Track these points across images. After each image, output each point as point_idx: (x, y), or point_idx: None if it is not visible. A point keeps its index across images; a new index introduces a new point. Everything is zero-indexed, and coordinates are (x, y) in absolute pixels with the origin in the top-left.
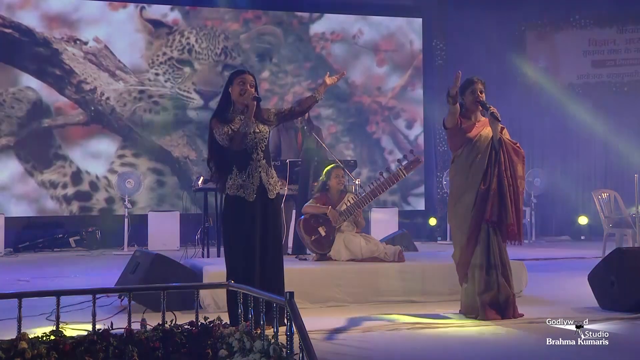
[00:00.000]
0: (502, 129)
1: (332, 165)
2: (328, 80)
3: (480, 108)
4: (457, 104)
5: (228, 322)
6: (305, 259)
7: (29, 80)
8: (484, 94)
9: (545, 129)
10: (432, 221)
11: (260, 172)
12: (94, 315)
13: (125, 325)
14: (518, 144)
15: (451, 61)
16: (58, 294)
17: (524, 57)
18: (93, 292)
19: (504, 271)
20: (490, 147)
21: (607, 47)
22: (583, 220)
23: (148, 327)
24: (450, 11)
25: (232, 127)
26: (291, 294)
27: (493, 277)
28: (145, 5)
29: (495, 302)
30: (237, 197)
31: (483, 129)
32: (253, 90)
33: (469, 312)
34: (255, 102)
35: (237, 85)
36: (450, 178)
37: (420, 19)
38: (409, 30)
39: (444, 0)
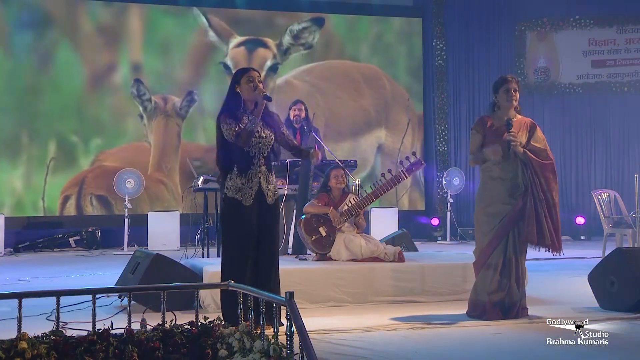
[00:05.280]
0: (534, 128)
1: (332, 165)
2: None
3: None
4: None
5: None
6: (305, 259)
7: None
8: (518, 93)
9: (545, 128)
10: (435, 221)
11: (260, 178)
12: (94, 315)
13: (125, 325)
14: (546, 151)
15: (451, 61)
16: (58, 294)
17: (524, 57)
18: (93, 292)
19: (517, 275)
20: (520, 160)
21: (607, 47)
22: (580, 220)
23: (148, 327)
24: (450, 11)
25: (240, 125)
26: (291, 294)
27: (505, 279)
28: None
29: (502, 304)
30: (235, 200)
31: (516, 130)
32: (261, 86)
33: (474, 310)
34: (265, 101)
35: (245, 84)
36: (487, 180)
37: (420, 19)
38: (409, 30)
39: (444, 0)
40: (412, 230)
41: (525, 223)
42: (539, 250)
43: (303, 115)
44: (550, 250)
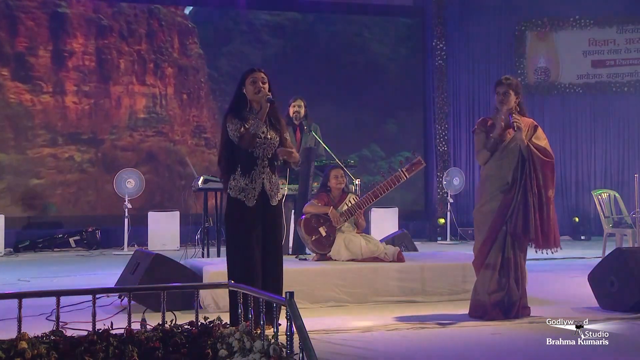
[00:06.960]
0: (535, 128)
1: (331, 165)
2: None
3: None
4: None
5: (228, 322)
6: (305, 259)
7: None
8: (510, 95)
9: (545, 128)
10: (441, 221)
11: (264, 179)
12: (94, 315)
13: (125, 325)
14: (547, 150)
15: (451, 61)
16: (58, 294)
17: (524, 57)
18: (93, 292)
19: (516, 275)
20: (519, 154)
21: (607, 47)
22: (574, 219)
23: (148, 327)
24: (450, 11)
25: (246, 126)
26: (291, 294)
27: (504, 278)
28: None
29: (502, 303)
30: (238, 200)
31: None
32: (267, 87)
33: (475, 310)
34: (268, 104)
35: (249, 85)
36: (482, 180)
37: (420, 19)
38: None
39: (444, 1)
40: (412, 231)
41: (514, 216)
42: (532, 247)
43: (303, 112)
44: (534, 246)
